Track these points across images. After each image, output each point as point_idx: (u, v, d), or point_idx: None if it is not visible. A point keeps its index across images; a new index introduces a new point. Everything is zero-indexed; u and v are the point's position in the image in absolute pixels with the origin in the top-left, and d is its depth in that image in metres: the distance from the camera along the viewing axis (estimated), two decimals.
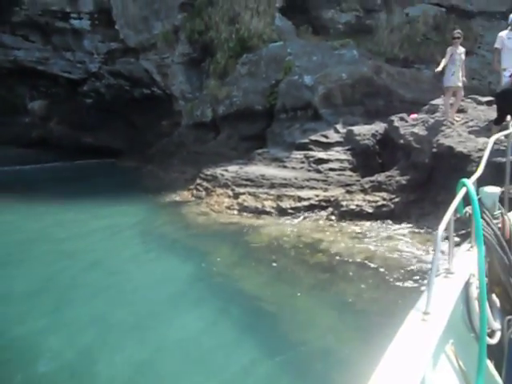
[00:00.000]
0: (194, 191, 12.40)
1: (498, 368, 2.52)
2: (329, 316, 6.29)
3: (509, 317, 2.69)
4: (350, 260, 7.86)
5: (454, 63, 9.52)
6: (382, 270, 7.39)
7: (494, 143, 3.75)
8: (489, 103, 10.54)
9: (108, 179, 18.20)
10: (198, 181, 12.58)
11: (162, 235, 9.84)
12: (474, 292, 2.26)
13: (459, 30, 10.14)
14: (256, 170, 11.94)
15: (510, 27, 8.84)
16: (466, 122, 9.55)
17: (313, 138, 12.75)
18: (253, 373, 4.91)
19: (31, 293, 7.00)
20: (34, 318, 6.21)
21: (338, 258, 8.00)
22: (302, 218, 9.94)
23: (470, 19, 17.60)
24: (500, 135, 5.02)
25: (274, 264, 7.87)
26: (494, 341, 2.34)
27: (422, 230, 8.82)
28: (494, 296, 2.63)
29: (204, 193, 12.04)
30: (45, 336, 5.72)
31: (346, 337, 5.64)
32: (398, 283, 6.89)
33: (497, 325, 2.45)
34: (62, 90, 24.61)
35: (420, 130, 9.88)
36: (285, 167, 12.05)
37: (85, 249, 9.12)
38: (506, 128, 8.70)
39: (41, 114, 25.14)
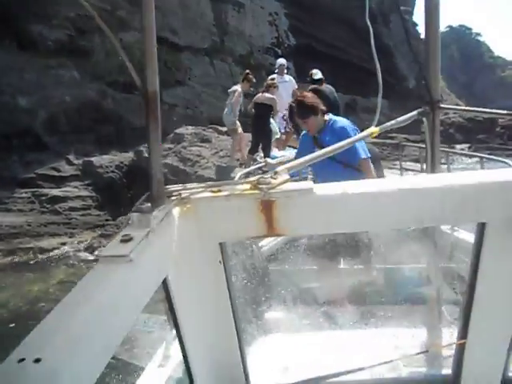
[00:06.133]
0: None
1: None
2: None
3: None
4: None
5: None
6: None
7: None
8: (227, 133, 10.63)
9: None
10: None
11: None
12: None
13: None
14: None
15: (277, 71, 8.74)
16: (217, 153, 9.25)
17: (40, 171, 10.24)
18: None
19: None
20: None
21: None
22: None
23: (179, 52, 18.02)
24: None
25: None
26: None
27: None
28: None
29: None
30: None
31: None
32: None
33: None
34: None
35: (174, 161, 9.03)
36: (9, 211, 9.17)
37: None
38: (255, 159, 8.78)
39: None
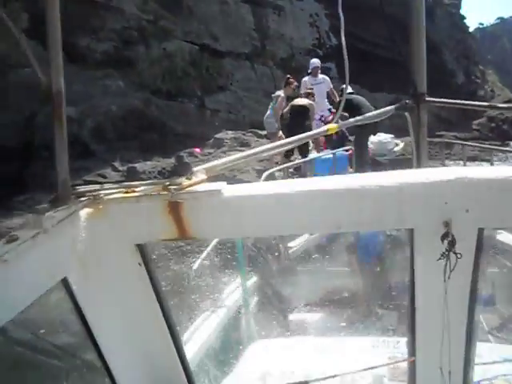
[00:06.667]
0: None
1: None
2: None
3: None
4: None
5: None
6: None
7: None
8: (267, 136, 10.60)
9: None
10: None
11: None
12: None
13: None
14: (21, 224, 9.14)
15: (310, 72, 8.77)
16: None
17: (88, 178, 10.61)
18: None
19: None
20: None
21: None
22: None
23: (221, 58, 18.21)
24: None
25: None
26: None
27: None
28: None
29: None
30: None
31: None
32: None
33: None
34: None
35: None
36: None
37: None
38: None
39: None
